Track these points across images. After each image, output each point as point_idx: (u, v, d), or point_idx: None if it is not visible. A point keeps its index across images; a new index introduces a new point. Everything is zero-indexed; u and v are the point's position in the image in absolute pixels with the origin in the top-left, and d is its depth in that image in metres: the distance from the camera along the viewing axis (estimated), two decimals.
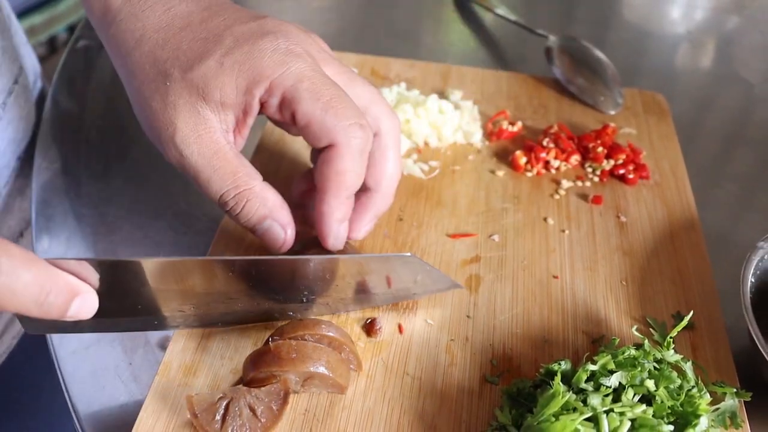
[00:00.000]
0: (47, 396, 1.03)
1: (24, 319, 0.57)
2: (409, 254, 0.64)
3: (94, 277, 0.56)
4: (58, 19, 2.59)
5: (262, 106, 0.64)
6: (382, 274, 0.66)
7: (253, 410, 0.58)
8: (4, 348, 0.97)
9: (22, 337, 1.00)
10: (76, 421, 0.64)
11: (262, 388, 0.59)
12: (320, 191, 0.65)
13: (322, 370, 0.60)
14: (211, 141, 0.63)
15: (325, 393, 0.63)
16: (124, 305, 0.61)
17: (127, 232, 0.78)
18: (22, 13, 2.42)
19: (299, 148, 0.87)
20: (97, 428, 0.63)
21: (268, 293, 0.65)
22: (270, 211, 0.65)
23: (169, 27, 0.64)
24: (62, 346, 0.68)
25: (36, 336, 1.00)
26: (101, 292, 0.56)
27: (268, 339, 0.62)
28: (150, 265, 0.59)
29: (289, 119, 0.64)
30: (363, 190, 0.68)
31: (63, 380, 0.66)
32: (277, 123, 0.68)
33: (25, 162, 0.91)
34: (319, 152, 0.66)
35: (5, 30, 0.88)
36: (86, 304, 0.54)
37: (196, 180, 0.64)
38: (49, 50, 2.61)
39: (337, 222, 0.66)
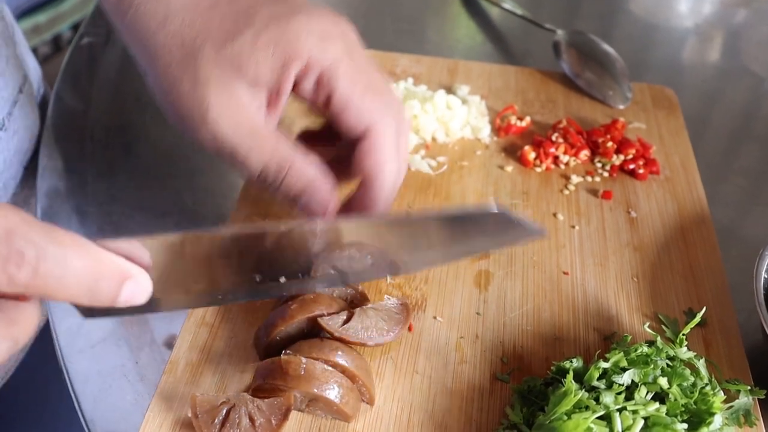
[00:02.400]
0: (54, 406, 1.02)
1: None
2: (494, 208, 0.56)
3: (147, 257, 0.52)
4: (63, 18, 2.59)
5: (296, 85, 0.62)
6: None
7: (252, 420, 0.57)
8: (11, 363, 0.96)
9: (29, 352, 0.99)
10: (82, 420, 0.64)
11: (266, 400, 0.58)
12: (364, 186, 0.63)
13: (327, 394, 0.58)
14: (246, 118, 0.61)
15: None
16: (179, 284, 0.56)
17: (133, 230, 0.78)
18: (26, 12, 2.42)
19: None
20: (103, 428, 0.63)
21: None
22: (310, 182, 0.63)
23: (196, 6, 0.62)
24: (69, 345, 0.68)
25: (44, 349, 1.00)
26: (157, 272, 0.52)
27: (282, 351, 0.61)
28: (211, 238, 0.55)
29: (323, 101, 0.62)
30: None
31: (69, 380, 0.66)
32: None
33: (31, 172, 0.90)
34: (352, 146, 0.64)
35: (8, 38, 0.86)
36: (139, 287, 0.50)
37: (233, 157, 0.62)
38: (53, 49, 2.61)
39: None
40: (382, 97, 0.63)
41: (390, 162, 0.63)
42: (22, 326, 0.46)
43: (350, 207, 0.65)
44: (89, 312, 0.54)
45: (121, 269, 0.49)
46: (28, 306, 0.46)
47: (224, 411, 0.57)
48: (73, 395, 0.65)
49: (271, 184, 0.63)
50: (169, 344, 0.67)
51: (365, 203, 0.64)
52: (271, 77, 0.61)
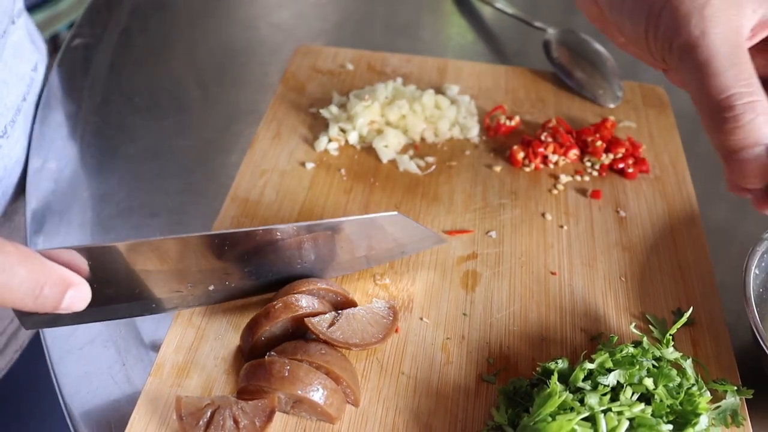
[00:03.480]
0: (42, 407, 1.02)
1: (22, 316, 0.57)
2: (395, 213, 0.66)
3: (86, 266, 0.57)
4: (59, 18, 2.58)
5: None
6: (365, 235, 0.68)
7: (236, 422, 0.57)
8: (4, 362, 0.96)
9: (23, 351, 0.99)
10: (69, 421, 0.64)
11: (250, 402, 0.58)
12: None
13: (311, 396, 0.58)
14: (737, 31, 0.55)
15: None
16: (120, 291, 0.61)
17: (122, 231, 0.78)
18: None
19: (295, 145, 0.86)
20: (90, 429, 0.63)
21: (258, 266, 0.65)
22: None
23: None
24: (56, 346, 0.68)
25: (32, 351, 1.00)
26: (96, 280, 0.57)
27: (267, 353, 0.62)
28: (141, 247, 0.59)
29: None
30: None
31: (56, 381, 0.66)
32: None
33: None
34: None
35: (16, 48, 0.85)
36: (79, 295, 0.54)
37: (702, 68, 0.55)
38: (50, 48, 2.60)
39: None
40: None
41: None
42: None
43: None
44: (30, 321, 0.59)
45: (64, 277, 0.54)
46: None
47: (209, 413, 0.57)
48: (60, 396, 0.65)
49: (727, 121, 0.54)
50: (156, 346, 0.67)
51: None
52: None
